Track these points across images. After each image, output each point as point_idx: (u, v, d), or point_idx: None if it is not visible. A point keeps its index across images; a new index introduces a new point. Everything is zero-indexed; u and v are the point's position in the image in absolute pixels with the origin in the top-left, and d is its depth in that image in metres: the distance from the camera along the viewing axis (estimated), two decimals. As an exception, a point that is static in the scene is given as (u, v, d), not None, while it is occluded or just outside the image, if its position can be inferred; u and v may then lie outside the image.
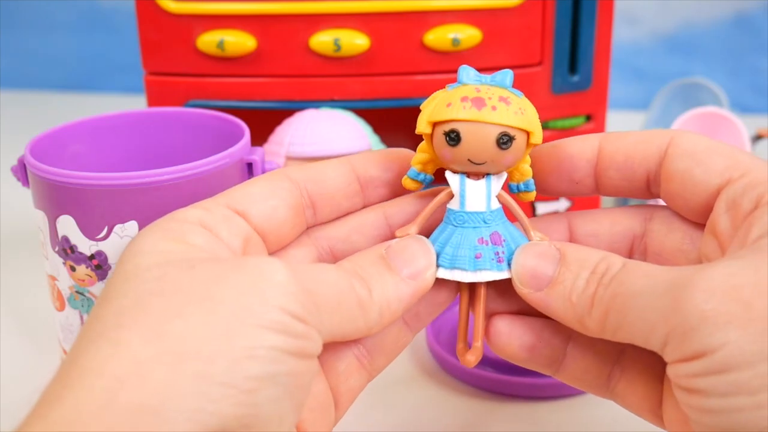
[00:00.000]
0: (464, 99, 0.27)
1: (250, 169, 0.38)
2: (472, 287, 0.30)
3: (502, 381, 0.42)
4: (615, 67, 0.59)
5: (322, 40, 0.47)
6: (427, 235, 0.29)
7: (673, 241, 0.30)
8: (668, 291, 0.24)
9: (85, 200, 0.35)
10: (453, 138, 0.28)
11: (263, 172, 0.38)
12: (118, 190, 0.35)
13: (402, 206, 0.31)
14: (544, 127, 0.49)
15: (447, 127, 0.28)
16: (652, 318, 0.25)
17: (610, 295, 0.26)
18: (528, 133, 0.28)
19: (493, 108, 0.27)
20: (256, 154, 0.38)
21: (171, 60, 0.49)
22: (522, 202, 0.31)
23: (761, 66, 0.87)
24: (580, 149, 0.30)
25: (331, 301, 0.26)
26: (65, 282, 0.37)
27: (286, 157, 0.46)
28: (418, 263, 0.28)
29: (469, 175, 0.29)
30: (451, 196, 0.29)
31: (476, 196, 0.29)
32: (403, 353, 0.32)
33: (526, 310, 0.30)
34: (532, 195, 0.31)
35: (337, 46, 0.47)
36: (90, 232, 0.35)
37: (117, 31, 0.95)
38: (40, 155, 0.37)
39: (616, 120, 0.61)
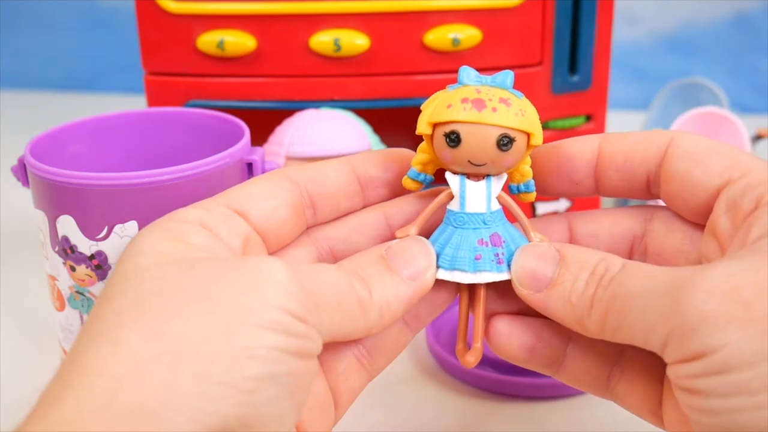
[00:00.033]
0: (465, 100, 0.27)
1: (250, 169, 0.38)
2: (472, 288, 0.30)
3: (502, 381, 0.42)
4: (615, 67, 0.59)
5: (322, 40, 0.47)
6: (427, 236, 0.29)
7: (673, 242, 0.30)
8: (668, 292, 0.24)
9: (85, 200, 0.35)
10: (453, 139, 0.28)
11: (263, 172, 0.38)
12: (118, 190, 0.35)
13: (402, 206, 0.31)
14: (544, 127, 0.49)
15: (447, 129, 0.28)
16: (651, 319, 0.25)
17: (609, 296, 0.26)
18: (528, 135, 0.28)
19: (494, 109, 0.27)
20: (256, 154, 0.38)
21: (171, 60, 0.49)
22: (522, 202, 0.31)
23: (761, 66, 0.87)
24: (579, 150, 0.30)
25: (331, 301, 0.26)
26: (65, 282, 0.37)
27: (286, 157, 0.46)
28: (418, 264, 0.28)
29: (469, 176, 0.29)
30: (451, 197, 0.29)
31: (476, 197, 0.29)
32: (403, 353, 0.32)
33: (526, 311, 0.30)
34: (532, 196, 0.31)
35: (337, 46, 0.47)
36: (90, 232, 0.35)
37: (117, 31, 0.95)
38: (40, 155, 0.37)
39: (616, 120, 0.61)
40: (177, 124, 0.43)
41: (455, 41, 0.47)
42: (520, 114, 0.28)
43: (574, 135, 0.50)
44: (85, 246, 0.36)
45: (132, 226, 0.35)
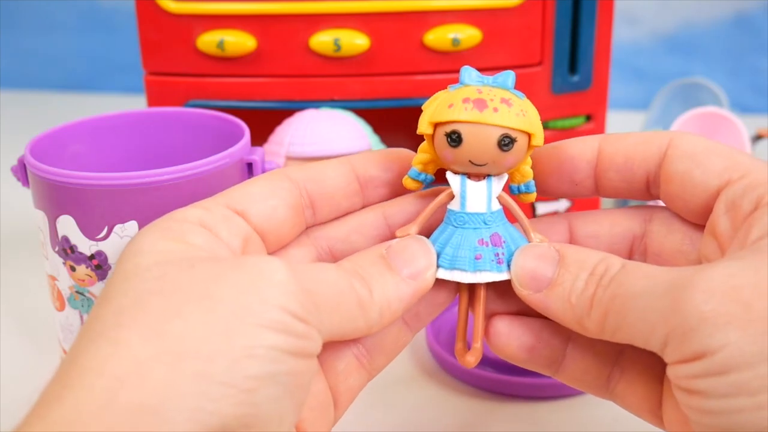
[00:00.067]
0: (466, 100, 0.27)
1: (250, 169, 0.38)
2: (472, 288, 0.30)
3: (502, 381, 0.42)
4: (615, 67, 0.59)
5: (322, 40, 0.47)
6: (427, 236, 0.29)
7: (673, 242, 0.30)
8: (668, 292, 0.24)
9: (85, 200, 0.35)
10: (454, 139, 0.28)
11: (263, 172, 0.38)
12: (118, 190, 0.35)
13: (402, 206, 0.31)
14: (544, 127, 0.49)
15: (448, 128, 0.28)
16: (651, 319, 0.25)
17: (609, 297, 0.26)
18: (529, 135, 0.28)
19: (495, 110, 0.27)
20: (256, 154, 0.38)
21: (171, 60, 0.49)
22: (522, 203, 0.31)
23: (761, 66, 0.87)
24: (580, 151, 0.30)
25: (331, 301, 0.26)
26: (65, 282, 0.37)
27: (286, 157, 0.46)
28: (418, 263, 0.28)
29: (470, 176, 0.29)
30: (452, 196, 0.29)
31: (477, 197, 0.29)
32: (403, 353, 0.32)
33: (526, 311, 0.30)
34: (533, 196, 0.31)
35: (337, 46, 0.47)
36: (90, 232, 0.35)
37: (117, 31, 0.95)
38: (40, 155, 0.37)
39: (616, 120, 0.61)
40: (177, 124, 0.43)
41: (455, 41, 0.47)
42: (521, 114, 0.28)
43: (574, 135, 0.50)
44: (85, 246, 0.36)
45: (132, 226, 0.35)
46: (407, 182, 0.30)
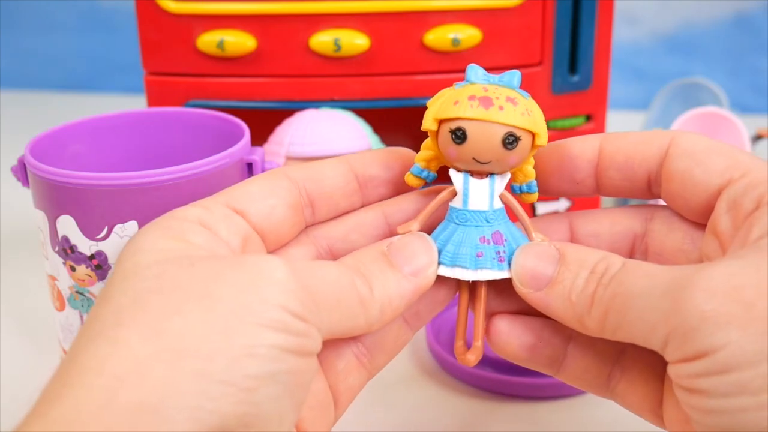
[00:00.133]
0: (472, 98, 0.27)
1: (250, 169, 0.38)
2: (473, 286, 0.30)
3: (502, 381, 0.42)
4: (615, 67, 0.60)
5: (322, 40, 0.47)
6: (429, 233, 0.29)
7: (674, 241, 0.30)
8: (668, 291, 0.24)
9: (85, 200, 0.35)
10: (459, 136, 0.28)
11: (263, 172, 0.38)
12: (118, 190, 0.35)
13: (401, 205, 0.31)
14: (544, 127, 0.49)
15: (453, 125, 0.28)
16: (652, 318, 0.25)
17: (609, 295, 0.26)
18: (533, 135, 0.28)
19: (501, 108, 0.27)
20: (256, 154, 0.38)
21: (171, 60, 0.49)
22: (524, 202, 0.31)
23: (761, 66, 0.87)
24: (581, 150, 0.30)
25: (331, 298, 0.26)
26: (65, 282, 0.37)
27: (286, 157, 0.46)
28: (419, 260, 0.28)
29: (472, 173, 0.29)
30: (454, 194, 0.29)
31: (479, 195, 0.29)
32: (402, 353, 0.32)
33: (527, 310, 0.30)
34: (535, 196, 0.31)
35: (337, 46, 0.47)
36: (90, 232, 0.35)
37: (117, 31, 0.95)
38: (40, 155, 0.37)
39: (616, 120, 0.61)
40: (177, 124, 0.43)
41: (455, 41, 0.47)
42: (526, 114, 0.28)
43: (574, 135, 0.50)
44: (85, 246, 0.36)
45: (132, 226, 0.35)
46: (409, 179, 0.30)
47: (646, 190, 0.30)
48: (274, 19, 0.47)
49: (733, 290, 0.23)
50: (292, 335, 0.24)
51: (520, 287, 0.28)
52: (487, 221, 0.29)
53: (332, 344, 0.29)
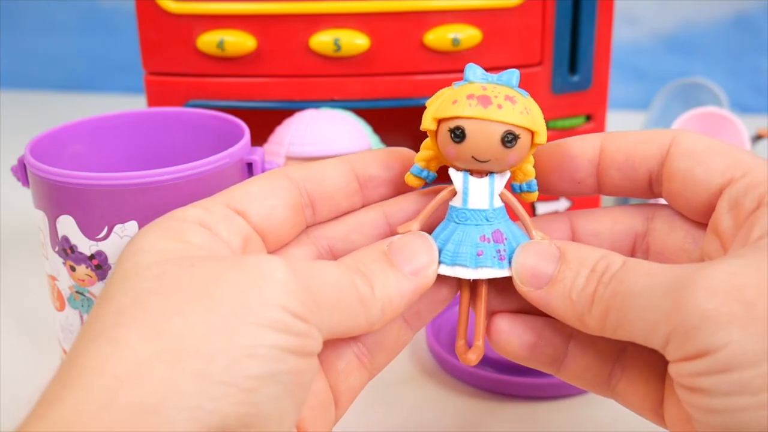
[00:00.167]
0: (470, 96, 0.27)
1: (250, 169, 0.38)
2: (473, 285, 0.30)
3: (502, 381, 0.42)
4: (615, 67, 0.60)
5: (322, 40, 0.47)
6: (429, 233, 0.29)
7: (675, 240, 0.30)
8: (669, 290, 0.24)
9: (85, 200, 0.35)
10: (458, 135, 0.28)
11: (263, 171, 0.38)
12: (118, 190, 0.35)
13: (402, 205, 0.31)
14: (545, 127, 0.49)
15: (452, 124, 0.28)
16: (653, 317, 0.25)
17: (610, 294, 0.26)
18: (532, 133, 0.28)
19: (499, 106, 0.27)
20: (256, 154, 0.38)
21: (171, 60, 0.49)
22: (523, 202, 0.31)
23: (761, 66, 0.87)
24: (581, 149, 0.30)
25: (332, 298, 0.26)
26: (65, 282, 0.37)
27: (286, 157, 0.46)
28: (420, 260, 0.28)
29: (472, 172, 0.29)
30: (454, 193, 0.29)
31: (479, 193, 0.29)
32: (403, 353, 0.32)
33: (527, 309, 0.30)
34: (535, 195, 0.31)
35: (337, 46, 0.47)
36: (90, 232, 0.35)
37: (117, 31, 0.95)
38: (40, 155, 0.37)
39: (616, 120, 0.61)
40: (177, 124, 0.43)
41: (455, 41, 0.47)
42: (525, 112, 0.28)
43: (574, 135, 0.50)
44: (85, 246, 0.36)
45: (132, 226, 0.35)
46: (409, 179, 0.30)
47: (647, 189, 0.30)
48: (274, 19, 0.47)
49: (735, 289, 0.23)
50: (292, 335, 0.24)
51: (520, 286, 0.28)
52: (487, 220, 0.29)
53: (333, 344, 0.29)
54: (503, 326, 0.30)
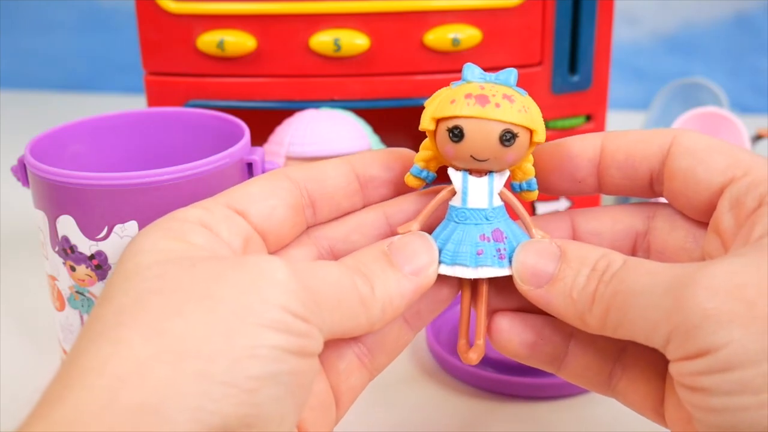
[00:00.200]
0: (468, 96, 0.27)
1: (250, 169, 0.38)
2: (474, 284, 0.30)
3: (502, 381, 0.42)
4: (615, 67, 0.60)
5: (322, 40, 0.47)
6: (429, 233, 0.29)
7: (676, 239, 0.30)
8: (670, 289, 0.24)
9: (85, 200, 0.35)
10: (456, 134, 0.28)
11: (263, 172, 0.38)
12: (118, 190, 0.35)
13: (402, 205, 0.31)
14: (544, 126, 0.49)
15: (450, 124, 0.28)
16: (653, 316, 0.25)
17: (610, 293, 0.26)
18: (531, 132, 0.28)
19: (497, 105, 0.27)
20: (256, 154, 0.38)
21: (171, 60, 0.49)
22: (524, 201, 0.31)
23: (761, 66, 0.87)
24: (582, 148, 0.30)
25: (333, 298, 0.26)
26: (65, 282, 0.37)
27: (286, 157, 0.46)
28: (420, 259, 0.28)
29: (471, 172, 0.29)
30: (453, 193, 0.29)
31: (478, 193, 0.29)
32: (403, 353, 0.32)
33: (528, 308, 0.30)
34: (535, 194, 0.31)
35: (337, 46, 0.47)
36: (90, 232, 0.35)
37: (117, 31, 0.95)
38: (40, 155, 0.37)
39: (616, 120, 0.61)
40: (177, 124, 0.43)
41: (455, 41, 0.47)
42: (523, 110, 0.28)
43: (575, 135, 0.50)
44: (85, 246, 0.36)
45: (132, 226, 0.35)
46: (409, 180, 0.30)
47: (647, 188, 0.30)
48: (274, 19, 0.47)
49: (736, 288, 0.24)
50: (293, 336, 0.24)
51: (520, 284, 0.28)
52: (487, 219, 0.29)
53: (333, 345, 0.29)
54: (504, 325, 0.30)
